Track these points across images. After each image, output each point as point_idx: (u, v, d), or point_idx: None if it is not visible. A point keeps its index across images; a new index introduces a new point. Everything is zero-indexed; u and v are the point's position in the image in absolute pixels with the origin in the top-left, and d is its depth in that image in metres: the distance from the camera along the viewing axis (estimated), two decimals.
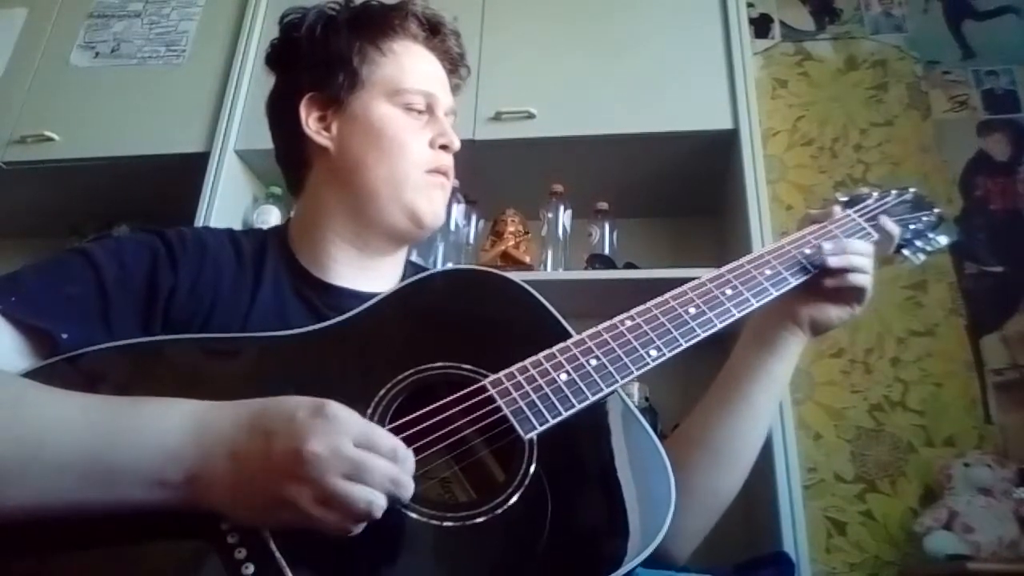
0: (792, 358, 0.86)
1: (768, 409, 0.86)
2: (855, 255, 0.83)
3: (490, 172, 1.78)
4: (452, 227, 1.80)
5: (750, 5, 2.13)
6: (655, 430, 0.73)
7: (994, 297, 1.85)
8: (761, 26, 2.23)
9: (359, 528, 0.56)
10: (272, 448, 0.56)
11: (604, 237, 1.81)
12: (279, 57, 0.98)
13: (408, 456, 0.59)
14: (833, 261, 0.83)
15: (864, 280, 0.83)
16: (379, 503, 0.56)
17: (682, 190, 1.90)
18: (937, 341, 1.84)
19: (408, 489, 0.58)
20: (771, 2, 2.26)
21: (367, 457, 0.56)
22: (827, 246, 0.84)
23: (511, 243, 1.78)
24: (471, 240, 1.88)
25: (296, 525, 0.56)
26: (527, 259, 1.79)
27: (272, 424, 0.58)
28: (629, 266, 1.80)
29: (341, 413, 0.58)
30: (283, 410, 0.58)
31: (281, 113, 0.95)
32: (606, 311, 0.77)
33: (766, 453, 1.46)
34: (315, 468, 0.55)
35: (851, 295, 0.85)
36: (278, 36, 0.97)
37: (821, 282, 0.84)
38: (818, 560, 1.66)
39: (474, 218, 1.89)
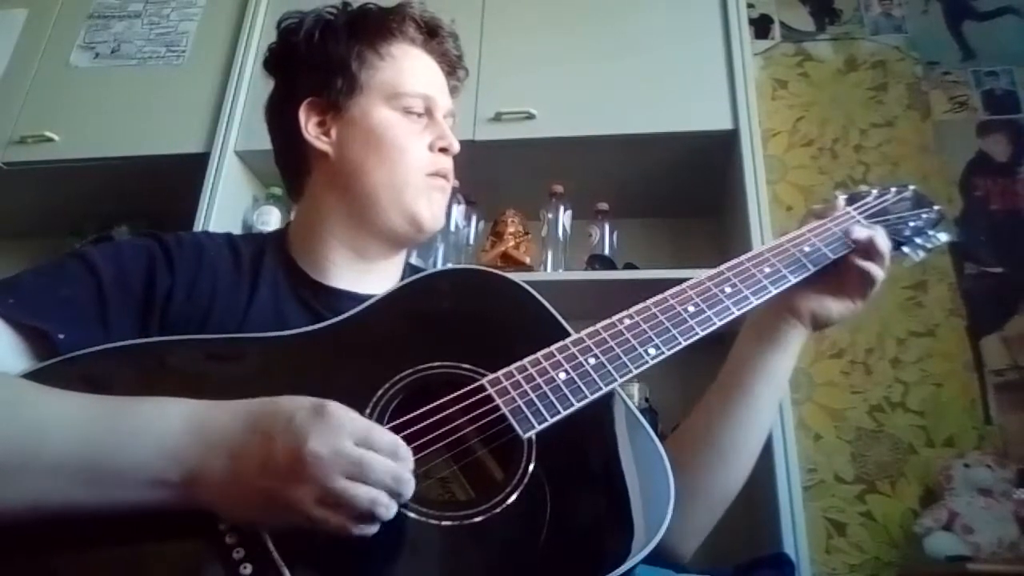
0: (793, 351, 0.86)
1: (770, 404, 0.86)
2: (880, 240, 0.83)
3: (490, 173, 1.78)
4: (452, 228, 1.80)
5: (750, 6, 2.13)
6: (655, 430, 0.73)
7: (994, 298, 1.85)
8: (761, 27, 2.23)
9: (363, 530, 0.56)
10: (273, 449, 0.56)
11: (604, 237, 1.81)
12: (277, 62, 0.98)
13: (408, 453, 0.59)
14: (859, 233, 0.83)
15: (879, 271, 0.83)
16: (382, 501, 0.56)
17: (682, 190, 1.90)
18: (937, 342, 1.84)
19: (409, 486, 0.58)
20: (771, 3, 2.26)
21: (368, 456, 0.56)
22: (858, 231, 0.83)
23: (511, 244, 1.78)
24: (471, 241, 1.88)
25: (297, 526, 0.56)
26: (527, 260, 1.79)
27: (272, 425, 0.57)
28: (629, 267, 1.79)
29: (340, 413, 0.58)
30: (283, 411, 0.58)
31: (280, 118, 0.95)
32: (606, 312, 0.77)
33: (766, 453, 1.45)
34: (317, 469, 0.55)
35: (856, 289, 0.84)
36: (276, 41, 0.97)
37: (821, 278, 0.84)
38: (818, 561, 1.66)
39: (474, 219, 1.89)
